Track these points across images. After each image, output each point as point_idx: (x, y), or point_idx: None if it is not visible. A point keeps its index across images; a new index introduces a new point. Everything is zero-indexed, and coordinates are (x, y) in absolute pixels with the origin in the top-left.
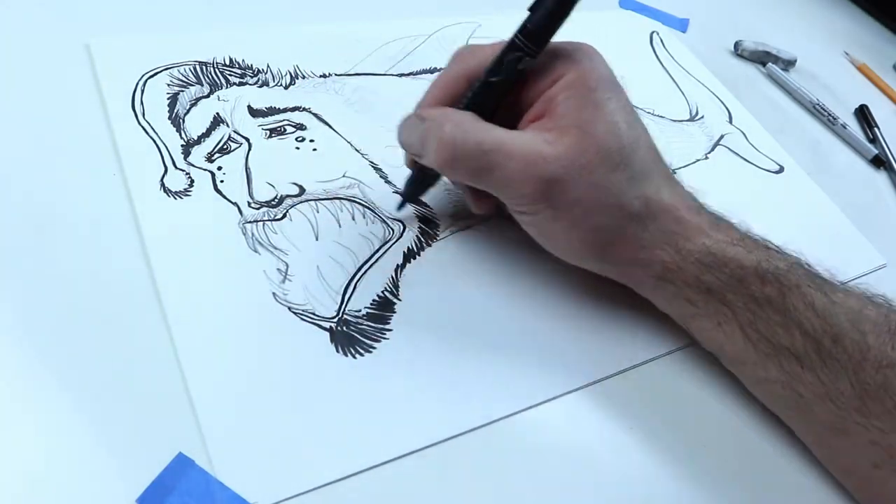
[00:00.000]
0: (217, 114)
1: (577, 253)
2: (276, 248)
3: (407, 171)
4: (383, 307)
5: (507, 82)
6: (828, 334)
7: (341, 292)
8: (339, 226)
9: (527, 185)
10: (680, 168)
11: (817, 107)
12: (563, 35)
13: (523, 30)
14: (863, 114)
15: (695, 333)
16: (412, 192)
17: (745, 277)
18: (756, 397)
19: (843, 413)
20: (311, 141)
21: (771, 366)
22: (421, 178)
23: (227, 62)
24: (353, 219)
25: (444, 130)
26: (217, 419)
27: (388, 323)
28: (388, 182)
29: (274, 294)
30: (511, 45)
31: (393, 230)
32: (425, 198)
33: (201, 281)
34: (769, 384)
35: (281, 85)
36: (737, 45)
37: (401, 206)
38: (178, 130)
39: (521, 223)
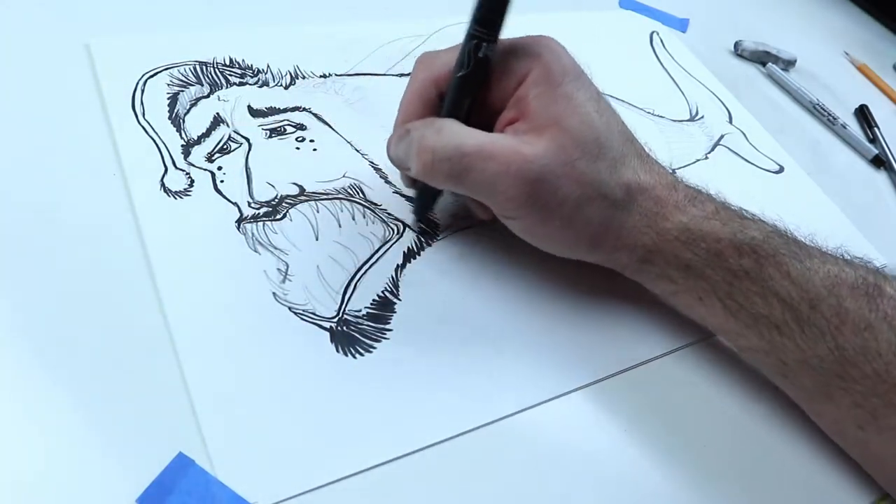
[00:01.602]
0: (217, 114)
1: (570, 248)
2: (276, 248)
3: None
4: (383, 307)
5: (473, 75)
6: (805, 301)
7: (341, 292)
8: (339, 226)
9: (511, 188)
10: (680, 168)
11: (817, 107)
12: (564, 35)
13: (475, 18)
14: (863, 114)
15: (678, 308)
16: (420, 208)
17: (721, 251)
18: (770, 389)
19: (824, 378)
20: (311, 141)
21: (752, 335)
22: (424, 193)
23: (227, 62)
24: (353, 219)
25: (424, 136)
26: (217, 419)
27: (388, 323)
28: (387, 182)
29: (274, 294)
30: (468, 37)
31: (393, 230)
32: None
33: (201, 281)
34: (753, 352)
35: (281, 85)
36: (737, 45)
37: (417, 222)
38: (179, 130)
39: (512, 229)
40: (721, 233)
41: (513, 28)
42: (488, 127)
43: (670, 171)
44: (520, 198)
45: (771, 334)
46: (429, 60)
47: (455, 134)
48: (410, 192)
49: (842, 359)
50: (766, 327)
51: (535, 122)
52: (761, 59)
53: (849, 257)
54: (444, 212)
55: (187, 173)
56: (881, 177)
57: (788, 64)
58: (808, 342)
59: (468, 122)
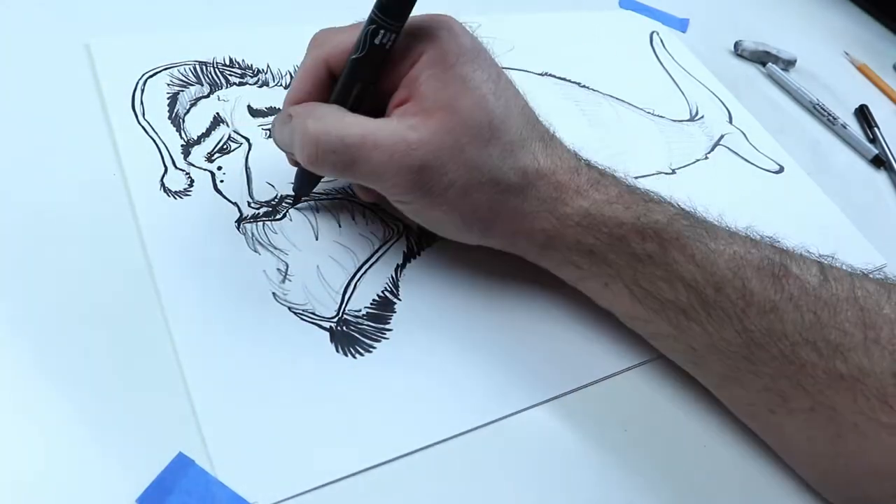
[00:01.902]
0: (217, 114)
1: (462, 233)
2: (276, 248)
3: None
4: (383, 307)
5: (367, 60)
6: (710, 284)
7: (341, 292)
8: (339, 226)
9: (396, 177)
10: (680, 168)
11: (817, 107)
12: (564, 35)
13: (378, 2)
14: (863, 114)
15: (589, 295)
16: (300, 188)
17: (624, 235)
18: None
19: (732, 363)
20: None
21: (660, 321)
22: (306, 174)
23: (227, 62)
24: (353, 219)
25: (306, 126)
26: (217, 419)
27: (388, 323)
28: None
29: (274, 294)
30: (368, 20)
31: (393, 230)
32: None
33: (201, 281)
34: (663, 339)
35: (281, 85)
36: (737, 45)
37: (294, 202)
38: (178, 130)
39: (404, 212)
40: (623, 217)
41: (513, 28)
42: (381, 107)
43: (576, 154)
44: (405, 184)
45: (678, 319)
46: (324, 38)
47: (338, 123)
48: None
49: (749, 342)
50: (673, 312)
51: (425, 104)
52: (761, 59)
53: (757, 237)
54: None
55: (187, 173)
56: (881, 177)
57: (788, 64)
58: (714, 326)
59: (362, 105)
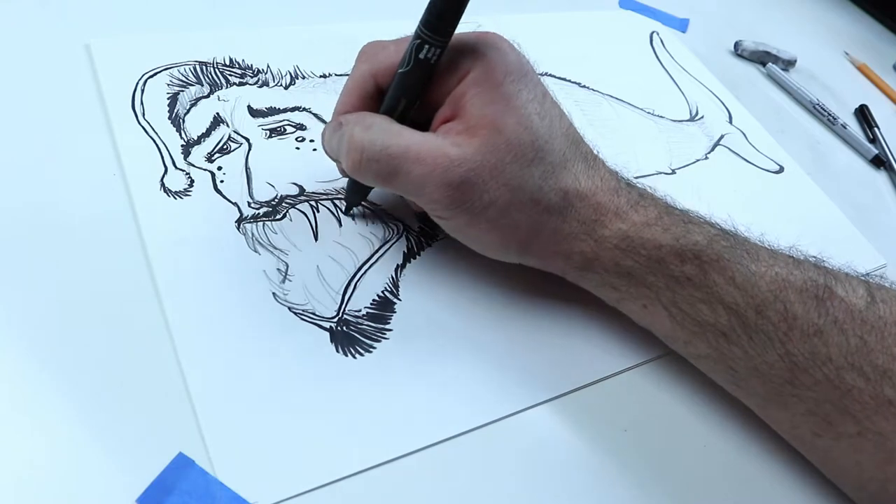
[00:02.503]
0: (217, 114)
1: (499, 251)
2: (276, 248)
3: None
4: (383, 307)
5: (413, 75)
6: (751, 307)
7: (341, 292)
8: (340, 226)
9: (436, 191)
10: (680, 168)
11: (817, 107)
12: (564, 35)
13: (424, 19)
14: (863, 114)
15: (629, 315)
16: (350, 198)
17: (663, 258)
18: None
19: (775, 386)
20: (311, 141)
21: (700, 343)
22: (355, 183)
23: (227, 62)
24: (353, 219)
25: (353, 134)
26: (217, 419)
27: (388, 323)
28: None
29: (274, 294)
30: (414, 35)
31: (393, 230)
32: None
33: (201, 281)
34: (703, 360)
35: (281, 85)
36: (737, 45)
37: (346, 210)
38: (178, 130)
39: (443, 227)
40: (662, 239)
41: (513, 28)
42: (427, 121)
43: (618, 174)
44: (444, 200)
45: (718, 342)
46: (372, 52)
47: (384, 133)
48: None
49: (792, 366)
50: (713, 335)
51: (469, 121)
52: (761, 59)
53: (801, 257)
54: None
55: (187, 173)
56: (881, 177)
57: (788, 64)
58: (756, 349)
59: (408, 118)
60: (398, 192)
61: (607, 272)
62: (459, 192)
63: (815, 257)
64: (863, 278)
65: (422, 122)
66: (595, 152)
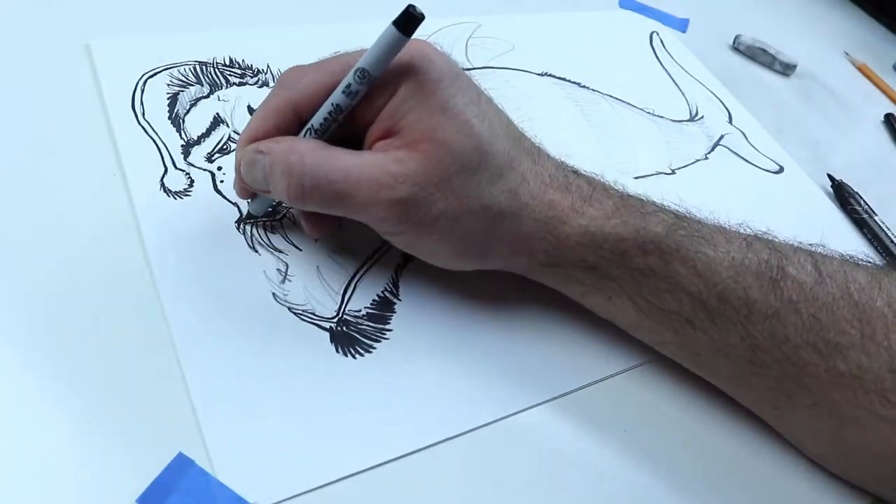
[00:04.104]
0: (217, 114)
1: (457, 259)
2: (275, 248)
3: None
4: (383, 307)
5: (342, 112)
6: (713, 294)
7: (341, 292)
8: (340, 226)
9: (382, 210)
10: (680, 168)
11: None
12: (564, 35)
13: (360, 71)
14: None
15: (590, 308)
16: (258, 211)
17: (626, 251)
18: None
19: (737, 366)
20: None
21: (665, 330)
22: (265, 201)
23: (227, 62)
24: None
25: (288, 163)
26: (217, 419)
27: (388, 323)
28: None
29: (274, 294)
30: (358, 71)
31: None
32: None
33: (201, 281)
34: (668, 346)
35: None
36: (735, 38)
37: (239, 222)
38: (178, 130)
39: (394, 244)
40: (623, 232)
41: (513, 28)
42: (355, 140)
43: (564, 165)
44: (392, 218)
45: (683, 328)
46: (292, 80)
47: (321, 160)
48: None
49: (753, 346)
50: (678, 322)
51: (409, 137)
52: (758, 56)
53: (751, 234)
54: None
55: (187, 173)
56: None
57: (788, 68)
58: (719, 333)
59: (334, 138)
60: (343, 214)
61: (572, 267)
62: (406, 208)
63: (763, 232)
64: (808, 251)
65: (344, 137)
66: (537, 144)
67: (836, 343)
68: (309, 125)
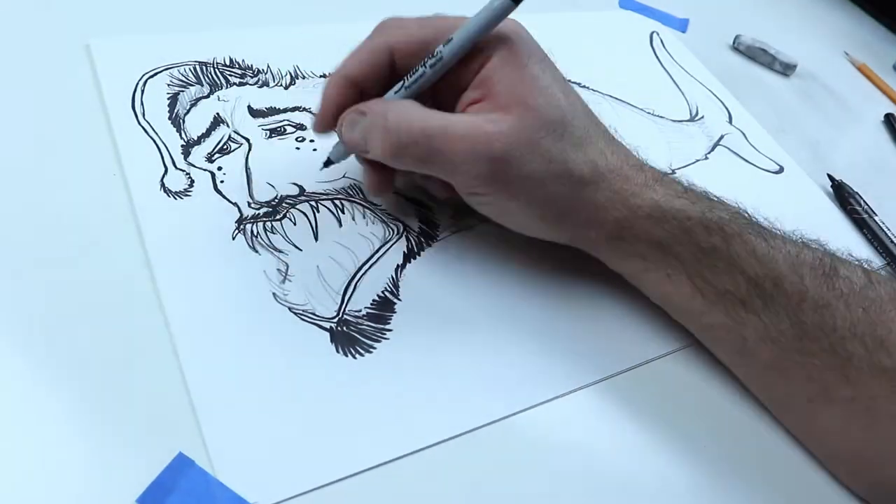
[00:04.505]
0: (217, 114)
1: (535, 225)
2: (275, 248)
3: None
4: (383, 307)
5: (440, 71)
6: (769, 278)
7: (341, 292)
8: (340, 226)
9: (476, 166)
10: (680, 168)
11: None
12: (564, 35)
13: (467, 30)
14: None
15: (644, 287)
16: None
17: (691, 228)
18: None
19: (783, 353)
20: (312, 141)
21: (717, 312)
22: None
23: (227, 62)
24: (353, 219)
25: (387, 120)
26: (217, 419)
27: (388, 323)
28: None
29: (274, 294)
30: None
31: (393, 230)
32: (425, 197)
33: (201, 281)
34: (715, 330)
35: (281, 85)
36: (735, 39)
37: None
38: (178, 130)
39: (476, 206)
40: (691, 211)
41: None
42: (448, 107)
43: (636, 150)
44: (484, 175)
45: (736, 310)
46: (393, 27)
47: (419, 116)
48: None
49: (802, 333)
50: (732, 303)
51: (501, 101)
52: (759, 56)
53: (806, 240)
54: (444, 212)
55: (187, 173)
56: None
57: (788, 69)
58: (770, 317)
59: (425, 102)
60: (434, 173)
61: (639, 241)
62: (499, 165)
63: (817, 240)
64: (858, 263)
65: (438, 107)
66: (613, 132)
67: (882, 339)
68: (403, 80)
